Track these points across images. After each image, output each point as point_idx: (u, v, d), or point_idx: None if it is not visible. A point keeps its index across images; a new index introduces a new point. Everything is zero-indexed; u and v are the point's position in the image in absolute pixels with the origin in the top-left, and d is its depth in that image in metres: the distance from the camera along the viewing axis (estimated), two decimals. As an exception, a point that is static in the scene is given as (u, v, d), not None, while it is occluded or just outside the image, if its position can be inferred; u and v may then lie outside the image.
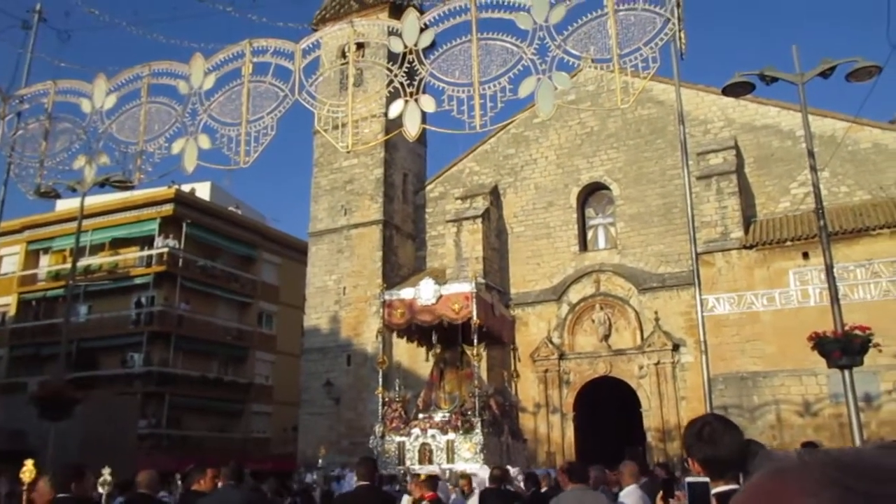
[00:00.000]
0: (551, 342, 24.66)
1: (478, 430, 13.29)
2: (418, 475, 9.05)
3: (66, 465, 5.08)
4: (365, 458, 6.55)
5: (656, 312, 23.38)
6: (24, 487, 5.74)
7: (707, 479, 2.25)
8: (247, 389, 34.09)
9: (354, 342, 26.77)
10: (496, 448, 14.02)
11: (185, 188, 33.70)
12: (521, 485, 11.08)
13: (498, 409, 15.05)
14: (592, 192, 26.84)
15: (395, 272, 27.19)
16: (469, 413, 13.58)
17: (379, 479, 12.04)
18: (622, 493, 7.74)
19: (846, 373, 10.09)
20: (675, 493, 3.52)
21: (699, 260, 12.89)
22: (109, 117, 10.36)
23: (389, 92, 9.49)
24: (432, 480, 8.49)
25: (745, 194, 23.52)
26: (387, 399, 14.79)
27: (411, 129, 8.66)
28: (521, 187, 27.48)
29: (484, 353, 18.42)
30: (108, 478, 6.86)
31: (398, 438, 14.00)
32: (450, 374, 15.35)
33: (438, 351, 15.90)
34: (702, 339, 11.92)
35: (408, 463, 13.43)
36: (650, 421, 22.89)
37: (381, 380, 14.95)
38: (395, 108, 8.76)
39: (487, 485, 9.71)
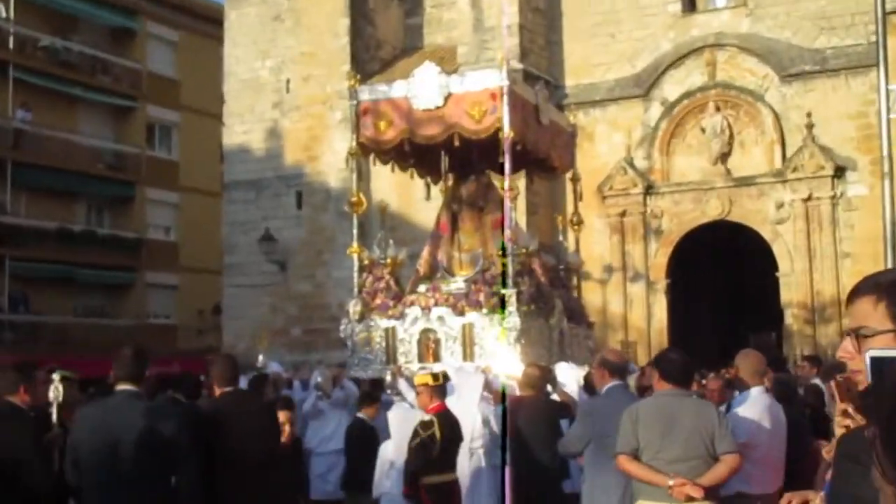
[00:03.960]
0: (632, 167, 24.81)
1: (513, 309, 13.63)
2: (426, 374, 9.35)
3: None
4: (223, 355, 6.88)
5: (809, 115, 23.28)
6: None
7: None
8: (136, 248, 34.84)
9: (308, 171, 27.00)
10: (542, 335, 14.47)
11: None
12: (572, 389, 11.39)
13: (545, 275, 15.38)
14: (707, -90, 26.00)
15: (372, 53, 26.96)
16: (498, 282, 13.89)
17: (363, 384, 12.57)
18: (739, 399, 8.07)
19: None
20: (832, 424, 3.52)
21: (886, 23, 12.61)
22: None
23: None
24: (441, 386, 8.88)
25: None
26: (366, 262, 15.10)
27: None
28: None
29: (523, 188, 18.57)
30: None
31: (385, 323, 14.42)
32: (468, 220, 15.59)
33: (450, 184, 16.05)
34: (884, 155, 11.96)
35: (401, 360, 13.91)
36: (791, 292, 23.43)
37: (355, 231, 15.19)
38: None
39: (517, 392, 10.07)
